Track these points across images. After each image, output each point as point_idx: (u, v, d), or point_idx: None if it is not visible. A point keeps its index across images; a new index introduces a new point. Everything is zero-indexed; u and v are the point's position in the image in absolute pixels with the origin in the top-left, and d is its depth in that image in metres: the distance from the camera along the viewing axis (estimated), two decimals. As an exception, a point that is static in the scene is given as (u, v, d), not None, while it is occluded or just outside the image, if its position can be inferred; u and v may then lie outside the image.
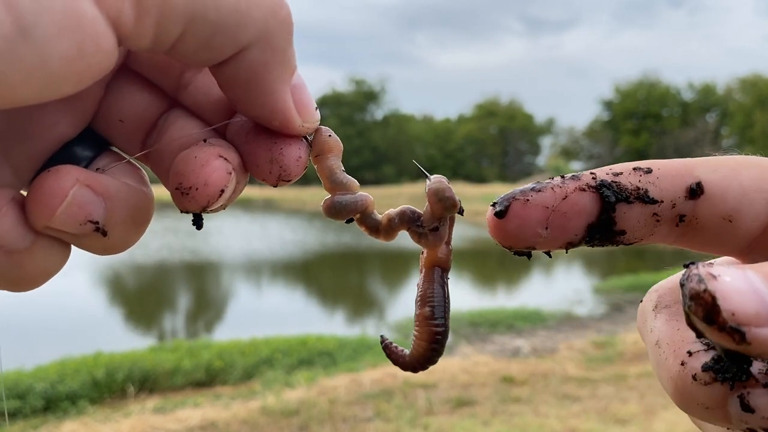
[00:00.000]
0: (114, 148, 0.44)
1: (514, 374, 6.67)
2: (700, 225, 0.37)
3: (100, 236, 0.40)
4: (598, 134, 63.00)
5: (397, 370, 5.40)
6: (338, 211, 0.44)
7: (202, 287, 14.40)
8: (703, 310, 0.28)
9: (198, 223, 0.44)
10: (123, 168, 0.42)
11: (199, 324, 10.77)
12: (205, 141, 0.41)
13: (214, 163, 0.39)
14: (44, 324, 9.39)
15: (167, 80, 0.43)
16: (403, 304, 12.06)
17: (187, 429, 5.30)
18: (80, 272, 14.64)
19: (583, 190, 0.37)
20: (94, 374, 6.38)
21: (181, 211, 0.40)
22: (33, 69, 0.29)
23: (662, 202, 0.37)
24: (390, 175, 59.38)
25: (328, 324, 9.88)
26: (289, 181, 0.42)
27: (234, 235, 23.57)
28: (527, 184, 0.38)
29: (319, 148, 0.44)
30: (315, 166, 0.44)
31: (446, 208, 0.43)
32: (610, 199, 0.37)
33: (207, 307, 12.31)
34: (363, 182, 0.47)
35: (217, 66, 0.37)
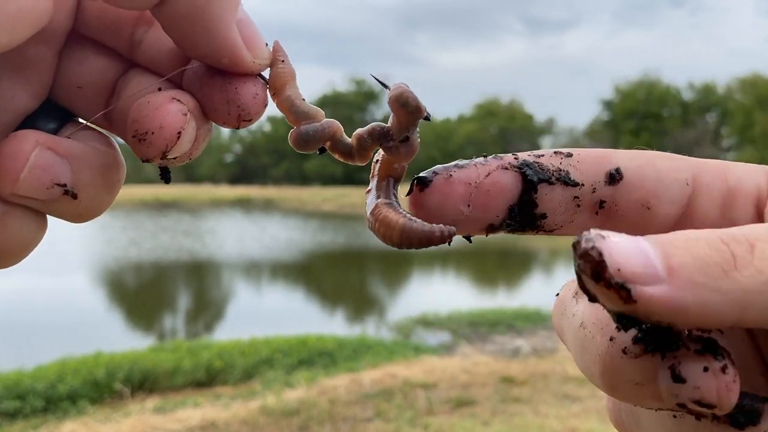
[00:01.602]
0: (78, 119, 0.43)
1: (514, 374, 6.67)
2: (620, 212, 0.38)
3: (70, 199, 0.39)
4: (598, 134, 62.97)
5: (397, 370, 5.37)
6: (306, 141, 0.42)
7: (202, 287, 14.41)
8: (590, 267, 0.28)
9: (165, 176, 0.43)
10: (87, 133, 0.42)
11: (199, 324, 10.78)
12: (159, 90, 0.40)
13: (168, 106, 0.38)
14: (44, 324, 9.39)
15: (119, 41, 0.42)
16: (403, 304, 12.06)
17: (187, 429, 5.30)
18: (80, 272, 14.64)
19: (506, 168, 0.37)
20: (94, 374, 6.38)
21: (142, 160, 0.39)
22: None
23: (583, 185, 0.38)
24: (390, 175, 59.34)
25: (328, 324, 9.88)
26: (250, 120, 0.40)
27: (233, 234, 23.58)
28: (449, 163, 0.38)
29: (274, 84, 0.42)
30: (275, 103, 0.43)
31: (411, 113, 0.41)
32: (532, 178, 0.37)
33: (207, 307, 12.32)
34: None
35: (158, 6, 0.36)
